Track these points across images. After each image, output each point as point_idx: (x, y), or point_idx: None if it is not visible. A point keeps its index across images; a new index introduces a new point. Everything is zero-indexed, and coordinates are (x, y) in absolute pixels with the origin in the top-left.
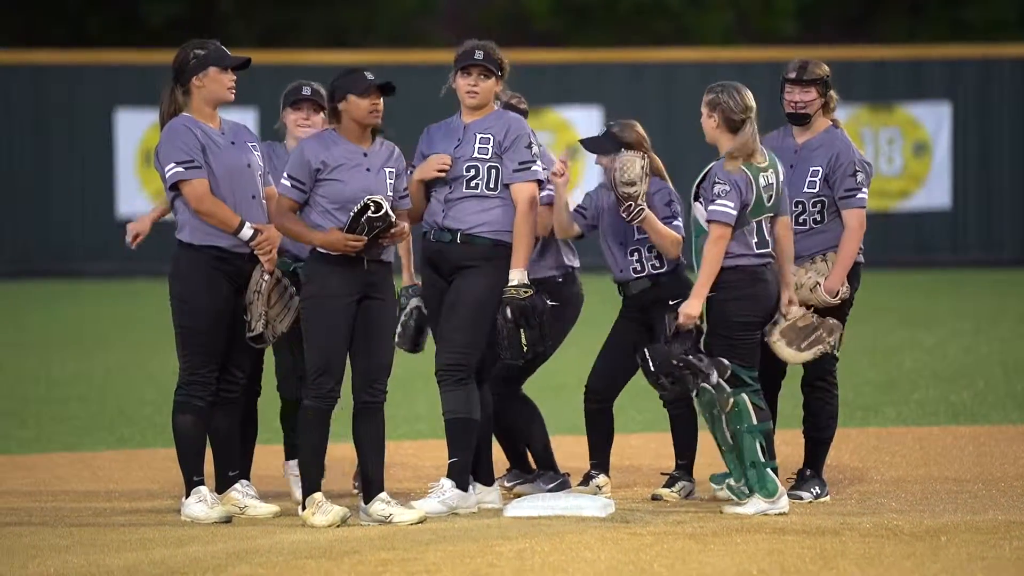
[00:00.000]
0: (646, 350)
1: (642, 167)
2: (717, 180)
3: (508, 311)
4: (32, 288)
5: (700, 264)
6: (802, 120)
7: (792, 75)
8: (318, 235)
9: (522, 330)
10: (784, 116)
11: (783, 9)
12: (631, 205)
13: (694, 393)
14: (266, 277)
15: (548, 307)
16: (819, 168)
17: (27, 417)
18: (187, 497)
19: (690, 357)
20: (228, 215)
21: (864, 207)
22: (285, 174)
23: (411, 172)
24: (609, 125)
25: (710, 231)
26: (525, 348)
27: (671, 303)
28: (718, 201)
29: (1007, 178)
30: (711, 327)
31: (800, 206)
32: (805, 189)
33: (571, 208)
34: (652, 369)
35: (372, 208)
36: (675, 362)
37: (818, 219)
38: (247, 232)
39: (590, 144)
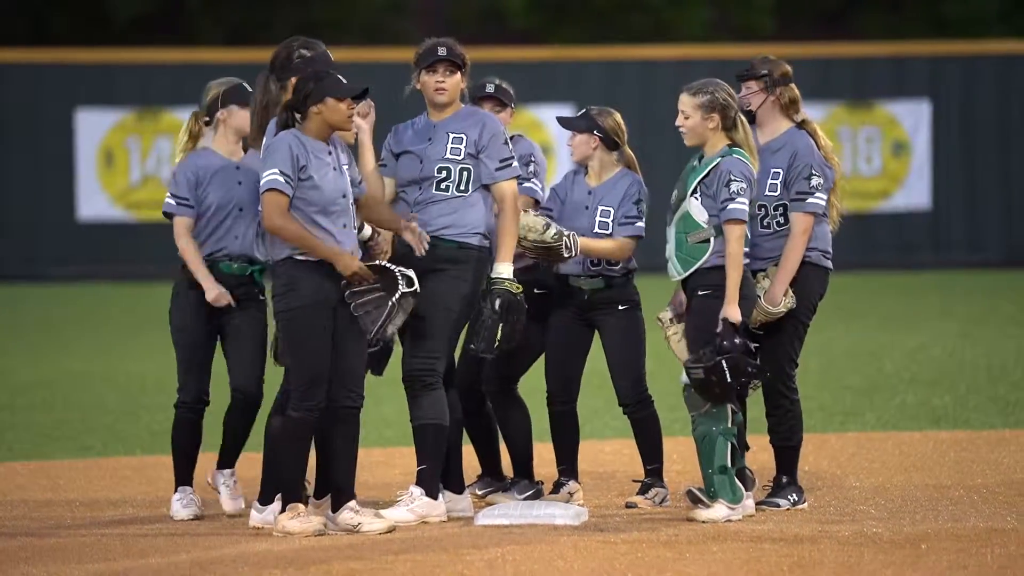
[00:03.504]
0: (723, 360)
1: (542, 223)
2: (733, 178)
3: (498, 302)
4: None
5: (684, 264)
6: (750, 116)
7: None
8: (328, 247)
9: (501, 324)
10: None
11: (761, 5)
12: (556, 257)
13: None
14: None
15: (526, 308)
16: (780, 170)
17: None
18: (281, 511)
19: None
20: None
21: (814, 212)
22: (276, 170)
23: (379, 166)
24: (589, 108)
25: (729, 231)
26: (497, 343)
27: (620, 308)
28: (738, 199)
29: (991, 177)
30: (691, 324)
31: (763, 209)
32: (767, 192)
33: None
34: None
35: (405, 282)
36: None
37: (781, 222)
38: (366, 231)
39: (565, 122)
